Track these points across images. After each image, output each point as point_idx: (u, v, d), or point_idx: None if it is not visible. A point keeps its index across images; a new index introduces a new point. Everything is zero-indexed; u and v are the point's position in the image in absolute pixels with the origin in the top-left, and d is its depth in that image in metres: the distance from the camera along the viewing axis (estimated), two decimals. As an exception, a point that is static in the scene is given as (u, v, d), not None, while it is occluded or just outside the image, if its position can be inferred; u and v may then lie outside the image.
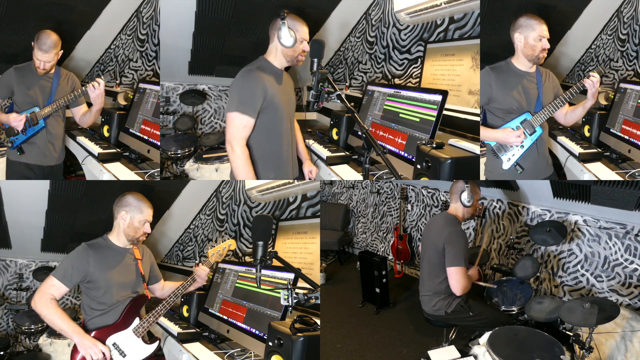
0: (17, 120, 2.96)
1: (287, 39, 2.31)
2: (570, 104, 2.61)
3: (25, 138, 3.02)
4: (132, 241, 2.46)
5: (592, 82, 2.44)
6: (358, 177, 2.99)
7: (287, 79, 2.54)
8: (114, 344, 2.33)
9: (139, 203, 2.45)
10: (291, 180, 2.89)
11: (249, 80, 2.30)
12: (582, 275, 3.25)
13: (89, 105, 3.06)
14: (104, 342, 2.31)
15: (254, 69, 2.33)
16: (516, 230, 3.68)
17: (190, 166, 3.66)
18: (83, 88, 2.94)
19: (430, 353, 2.63)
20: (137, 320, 2.41)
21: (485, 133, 2.57)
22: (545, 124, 2.56)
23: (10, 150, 3.06)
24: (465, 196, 2.80)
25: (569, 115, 2.62)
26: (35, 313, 2.31)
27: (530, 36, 2.44)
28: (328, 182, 5.84)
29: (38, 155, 3.07)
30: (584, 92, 2.50)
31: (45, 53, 2.91)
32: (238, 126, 2.29)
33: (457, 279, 2.70)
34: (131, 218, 2.43)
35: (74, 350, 2.29)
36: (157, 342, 2.47)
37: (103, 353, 2.26)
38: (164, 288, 2.70)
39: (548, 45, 2.45)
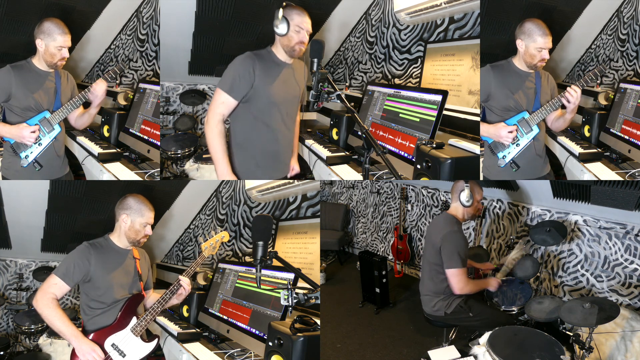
0: (30, 135, 2.56)
1: (279, 26, 2.31)
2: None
3: (43, 150, 2.64)
4: (133, 243, 2.46)
5: (572, 95, 2.42)
6: (358, 177, 2.99)
7: (296, 73, 2.49)
8: (112, 345, 2.33)
9: (140, 206, 2.44)
10: (291, 180, 2.89)
11: (239, 63, 2.35)
12: (582, 275, 3.25)
13: (84, 105, 2.79)
14: (102, 344, 2.30)
15: (250, 54, 2.37)
16: (516, 230, 3.68)
17: (190, 166, 3.66)
18: (83, 93, 2.66)
19: (430, 353, 2.63)
20: (134, 320, 2.41)
21: (482, 128, 2.58)
22: (543, 124, 2.57)
23: (11, 168, 2.66)
24: (464, 196, 2.80)
25: (555, 121, 2.61)
26: (36, 313, 2.30)
27: (531, 46, 2.44)
28: (328, 182, 5.84)
29: (51, 169, 2.71)
30: (584, 92, 2.50)
31: (64, 35, 2.55)
32: (217, 100, 2.36)
33: (454, 281, 2.72)
34: (132, 221, 2.42)
35: (73, 354, 2.29)
36: (156, 339, 2.47)
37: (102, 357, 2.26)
38: (149, 298, 2.61)
39: (547, 57, 2.45)
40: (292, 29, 2.31)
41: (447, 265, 2.71)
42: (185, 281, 2.53)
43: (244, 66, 2.33)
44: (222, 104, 2.35)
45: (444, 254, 2.72)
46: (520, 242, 3.01)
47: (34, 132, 2.58)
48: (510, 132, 2.50)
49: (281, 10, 2.29)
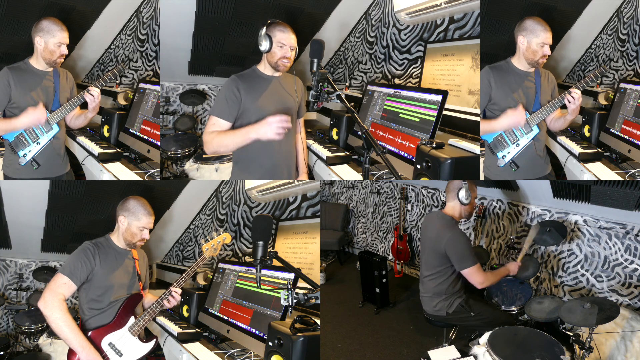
0: (40, 111, 2.58)
1: (262, 44, 2.38)
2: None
3: (41, 148, 2.66)
4: (129, 245, 2.46)
5: (574, 98, 2.43)
6: (358, 177, 2.99)
7: (286, 85, 2.52)
8: (109, 344, 2.33)
9: (138, 210, 2.43)
10: (291, 180, 2.89)
11: (225, 87, 2.43)
12: (582, 275, 3.25)
13: (81, 107, 2.80)
14: (99, 343, 2.30)
15: (233, 76, 2.44)
16: (516, 230, 3.68)
17: (190, 166, 3.66)
18: (81, 94, 2.68)
19: (430, 353, 2.63)
20: (132, 319, 2.41)
21: (486, 126, 2.56)
22: (543, 124, 2.57)
23: (11, 166, 2.69)
24: (463, 194, 2.79)
25: (554, 121, 2.61)
26: (36, 313, 2.29)
27: (533, 42, 2.45)
28: (328, 182, 5.84)
29: (51, 167, 2.74)
30: (584, 92, 2.50)
31: (63, 32, 2.57)
32: (209, 125, 2.44)
33: (473, 279, 2.72)
34: (129, 224, 2.42)
35: (71, 353, 2.28)
36: (154, 340, 2.47)
37: None
38: (145, 298, 2.60)
39: (549, 52, 2.46)
40: (275, 45, 2.37)
41: (460, 267, 2.72)
42: (177, 293, 2.50)
43: (228, 89, 2.41)
44: (213, 125, 2.43)
45: (454, 257, 2.72)
46: (533, 226, 3.04)
47: (41, 111, 2.59)
48: (520, 113, 2.48)
49: (264, 28, 2.36)
